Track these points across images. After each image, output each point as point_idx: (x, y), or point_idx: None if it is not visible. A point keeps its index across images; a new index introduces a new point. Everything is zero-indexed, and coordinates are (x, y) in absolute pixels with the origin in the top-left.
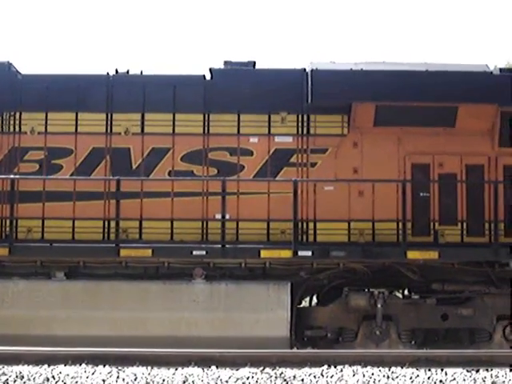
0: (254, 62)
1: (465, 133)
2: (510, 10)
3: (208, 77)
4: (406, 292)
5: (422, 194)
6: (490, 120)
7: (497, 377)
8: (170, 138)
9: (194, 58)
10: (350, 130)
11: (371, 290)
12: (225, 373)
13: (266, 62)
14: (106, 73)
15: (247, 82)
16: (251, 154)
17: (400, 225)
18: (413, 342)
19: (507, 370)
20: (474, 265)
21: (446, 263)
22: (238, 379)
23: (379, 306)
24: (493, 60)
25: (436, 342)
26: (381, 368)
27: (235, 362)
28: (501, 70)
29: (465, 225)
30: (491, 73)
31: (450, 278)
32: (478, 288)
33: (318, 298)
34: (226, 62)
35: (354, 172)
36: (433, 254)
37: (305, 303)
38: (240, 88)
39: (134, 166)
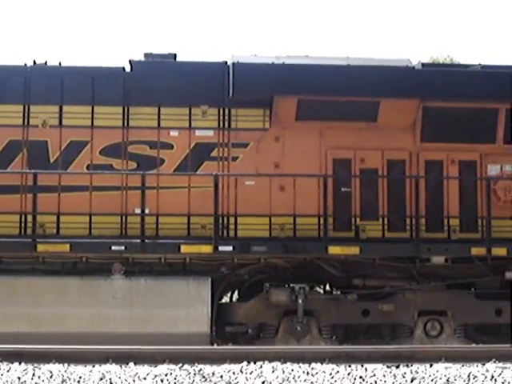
0: (175, 55)
1: (387, 128)
2: (432, 6)
3: (128, 69)
4: (327, 287)
5: (343, 189)
6: (412, 115)
7: (417, 372)
8: (89, 131)
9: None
10: (272, 125)
11: (292, 285)
12: (143, 369)
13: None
14: (23, 64)
15: (168, 75)
16: (171, 147)
17: (321, 220)
18: (334, 338)
19: (427, 365)
20: (395, 260)
21: (367, 258)
22: (156, 376)
23: (300, 301)
24: (417, 55)
25: (357, 337)
26: (301, 364)
27: (154, 359)
28: (423, 64)
29: (386, 220)
30: (413, 68)
31: (372, 273)
32: (399, 283)
33: (238, 293)
34: (146, 54)
35: (275, 166)
36: (354, 250)
37: (226, 299)
38: (160, 81)
39: (51, 160)
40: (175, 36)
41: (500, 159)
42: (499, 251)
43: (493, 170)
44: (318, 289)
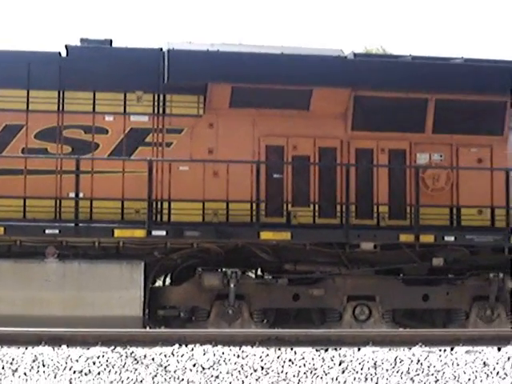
0: (111, 40)
1: (319, 116)
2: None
3: (64, 54)
4: (258, 272)
5: (275, 176)
6: (344, 104)
7: (345, 356)
8: (24, 115)
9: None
10: (206, 111)
11: (224, 269)
12: (75, 352)
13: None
14: None
15: (103, 60)
16: (106, 132)
17: (254, 206)
18: (265, 322)
19: (355, 349)
20: (326, 246)
21: (298, 244)
22: (88, 358)
23: (232, 285)
24: (352, 46)
25: (287, 321)
26: (231, 347)
27: (86, 341)
28: (355, 54)
29: (317, 206)
30: (345, 57)
31: (302, 258)
32: (329, 269)
33: (171, 277)
34: (82, 40)
35: (209, 152)
36: (285, 235)
37: (159, 283)
38: (96, 66)
39: None
40: (112, 22)
41: (429, 148)
42: (427, 238)
43: (422, 158)
44: (249, 273)
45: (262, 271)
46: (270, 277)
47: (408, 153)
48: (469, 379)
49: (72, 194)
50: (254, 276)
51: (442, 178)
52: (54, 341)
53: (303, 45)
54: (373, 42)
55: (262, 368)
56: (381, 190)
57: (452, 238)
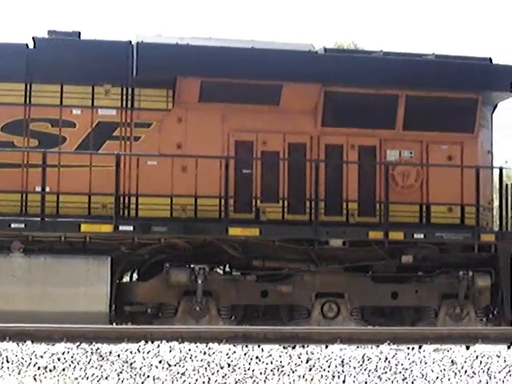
0: (79, 33)
1: (289, 111)
2: None
3: (31, 46)
4: (226, 268)
5: (244, 171)
6: (314, 99)
7: (312, 353)
8: None
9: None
10: (175, 105)
11: (192, 265)
12: (40, 348)
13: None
14: None
15: (71, 53)
16: (74, 125)
17: (222, 201)
18: (233, 318)
19: (323, 346)
20: (295, 242)
21: (267, 240)
22: (53, 354)
23: (200, 281)
24: (323, 41)
25: (256, 318)
26: (198, 344)
27: (51, 337)
28: (326, 50)
29: (286, 202)
30: (316, 52)
31: (271, 255)
32: (297, 265)
33: (138, 273)
34: (50, 32)
35: (177, 147)
36: (254, 231)
37: (126, 278)
38: (64, 58)
39: None
40: (81, 14)
41: (399, 145)
42: (396, 235)
43: (392, 155)
44: (217, 269)
45: (230, 267)
46: (239, 273)
47: (378, 149)
48: (437, 377)
49: (38, 188)
50: (222, 272)
51: (411, 175)
52: (19, 336)
53: (274, 39)
54: (345, 38)
55: (229, 365)
56: (350, 187)
57: (421, 236)
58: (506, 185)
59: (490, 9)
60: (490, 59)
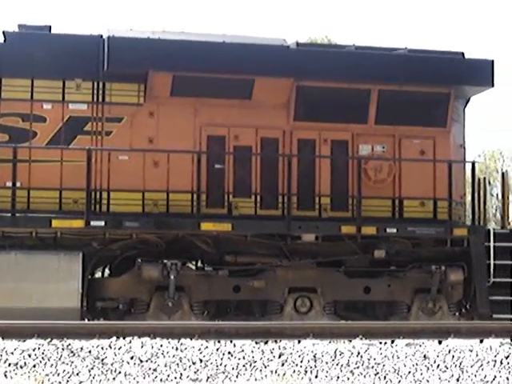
0: (50, 27)
1: (261, 106)
2: None
3: (1, 40)
4: (199, 264)
5: (217, 166)
6: (286, 94)
7: (285, 348)
8: None
9: None
10: (147, 100)
11: (164, 261)
12: (11, 344)
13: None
14: None
15: (42, 47)
16: (44, 120)
17: (195, 196)
18: (205, 314)
19: (295, 341)
20: (267, 237)
21: (239, 235)
22: (23, 351)
23: (172, 277)
24: (297, 36)
25: (228, 313)
26: (170, 340)
27: (22, 334)
28: (298, 44)
29: (258, 197)
30: (288, 47)
31: (243, 250)
32: (270, 260)
33: (110, 269)
34: (20, 26)
35: (149, 142)
36: (226, 226)
37: (98, 274)
38: (34, 52)
39: None
40: (52, 8)
41: (371, 139)
42: (368, 230)
43: (364, 149)
44: (189, 265)
45: (202, 263)
46: (211, 268)
47: (350, 144)
48: (409, 372)
49: (9, 183)
50: (194, 267)
51: (384, 169)
52: None
53: (247, 34)
54: (318, 33)
55: (201, 361)
56: (323, 181)
57: (394, 230)
58: (479, 179)
59: (462, 2)
60: (463, 54)
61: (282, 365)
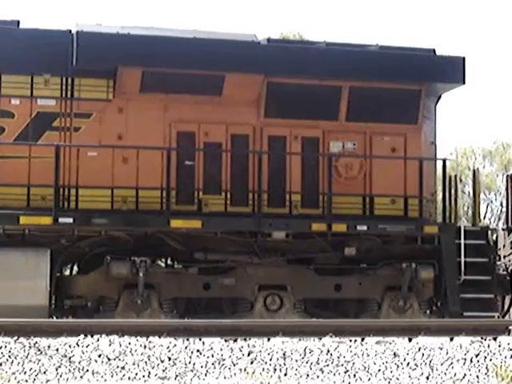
0: (18, 21)
1: (231, 102)
2: None
3: None
4: (168, 261)
5: (186, 163)
6: (257, 90)
7: (254, 346)
8: None
9: None
10: (116, 95)
11: (133, 258)
12: None
13: None
14: None
15: (10, 42)
16: (12, 116)
17: (164, 193)
18: (175, 312)
19: (265, 339)
20: (237, 234)
21: (209, 232)
22: None
23: (141, 274)
24: (268, 32)
25: (198, 311)
26: (138, 337)
27: None
28: (269, 40)
29: (229, 194)
30: (258, 43)
31: (213, 247)
32: (240, 258)
33: (79, 266)
34: None
35: (118, 138)
36: (196, 223)
37: (66, 271)
38: (2, 47)
39: None
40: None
41: (342, 136)
42: (339, 227)
43: (335, 146)
44: (159, 262)
45: (172, 260)
46: (180, 266)
47: (321, 141)
48: (379, 370)
49: None
50: (163, 265)
51: (355, 166)
52: None
53: (217, 30)
54: (290, 29)
55: (169, 359)
56: (293, 178)
57: (364, 228)
58: (450, 176)
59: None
60: (434, 50)
61: (252, 363)
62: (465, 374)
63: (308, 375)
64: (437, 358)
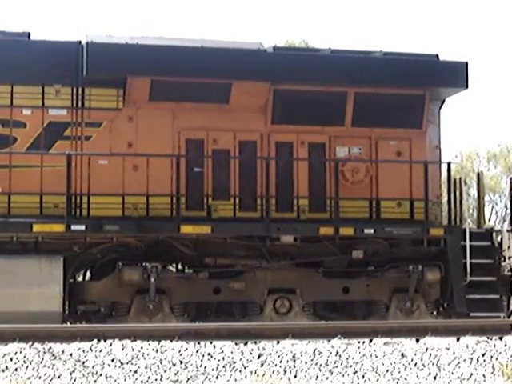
0: (29, 33)
1: (238, 110)
2: None
3: None
4: (179, 266)
5: (195, 170)
6: (263, 97)
7: (264, 349)
8: None
9: None
10: (126, 104)
11: (145, 264)
12: None
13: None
14: None
15: (21, 53)
16: (24, 126)
17: (174, 199)
18: (186, 316)
19: (275, 342)
20: (246, 239)
21: (219, 237)
22: (5, 354)
23: (152, 280)
24: (274, 40)
25: (208, 315)
26: (150, 342)
27: (3, 337)
28: (275, 48)
29: (237, 200)
30: (265, 51)
31: (223, 252)
32: (249, 262)
33: (91, 272)
34: None
35: (128, 146)
36: (206, 229)
37: (79, 278)
38: (13, 59)
39: None
40: (30, 15)
41: (348, 141)
42: (346, 231)
43: (341, 152)
44: (170, 267)
45: (182, 265)
46: (191, 271)
47: (328, 146)
48: (387, 370)
49: None
50: (174, 270)
51: (361, 170)
52: None
53: (224, 38)
54: (295, 36)
55: (181, 362)
56: (301, 184)
57: (371, 231)
58: (455, 179)
59: (437, 5)
60: (437, 56)
61: (262, 365)
62: (471, 374)
63: (317, 377)
64: (444, 358)
